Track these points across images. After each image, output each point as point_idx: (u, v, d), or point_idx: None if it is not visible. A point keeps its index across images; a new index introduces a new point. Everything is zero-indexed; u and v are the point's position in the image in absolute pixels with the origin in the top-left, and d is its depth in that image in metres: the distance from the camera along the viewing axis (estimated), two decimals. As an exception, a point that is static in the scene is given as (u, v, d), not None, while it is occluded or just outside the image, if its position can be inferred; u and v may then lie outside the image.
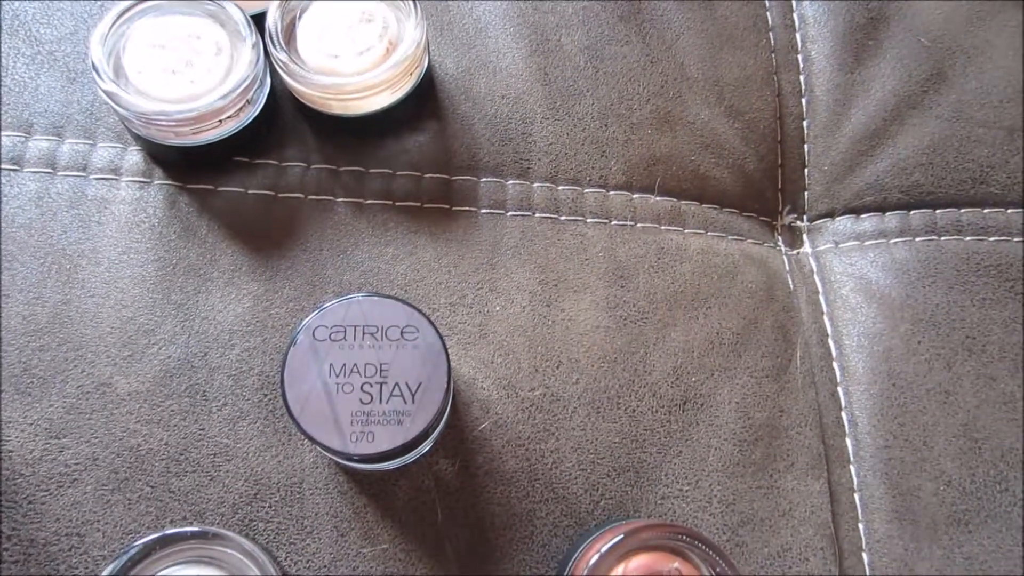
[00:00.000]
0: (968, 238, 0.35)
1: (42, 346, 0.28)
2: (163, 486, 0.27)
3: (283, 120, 0.32)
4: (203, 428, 0.28)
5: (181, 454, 0.28)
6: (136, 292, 0.29)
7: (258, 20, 0.30)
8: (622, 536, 0.24)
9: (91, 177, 0.30)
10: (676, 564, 0.24)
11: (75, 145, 0.31)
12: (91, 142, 0.31)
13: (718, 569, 0.23)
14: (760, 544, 0.29)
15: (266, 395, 0.28)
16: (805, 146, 0.37)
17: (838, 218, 0.36)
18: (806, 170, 0.37)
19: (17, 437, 0.27)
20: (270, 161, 0.32)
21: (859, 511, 0.31)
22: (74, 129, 0.31)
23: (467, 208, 0.32)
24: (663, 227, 0.33)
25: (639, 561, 0.24)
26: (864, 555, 0.30)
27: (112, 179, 0.31)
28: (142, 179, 0.31)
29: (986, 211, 0.36)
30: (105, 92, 0.28)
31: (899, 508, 0.30)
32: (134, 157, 0.31)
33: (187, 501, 0.27)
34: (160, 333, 0.29)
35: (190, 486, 0.27)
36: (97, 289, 0.29)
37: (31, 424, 0.27)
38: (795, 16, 0.38)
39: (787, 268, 0.35)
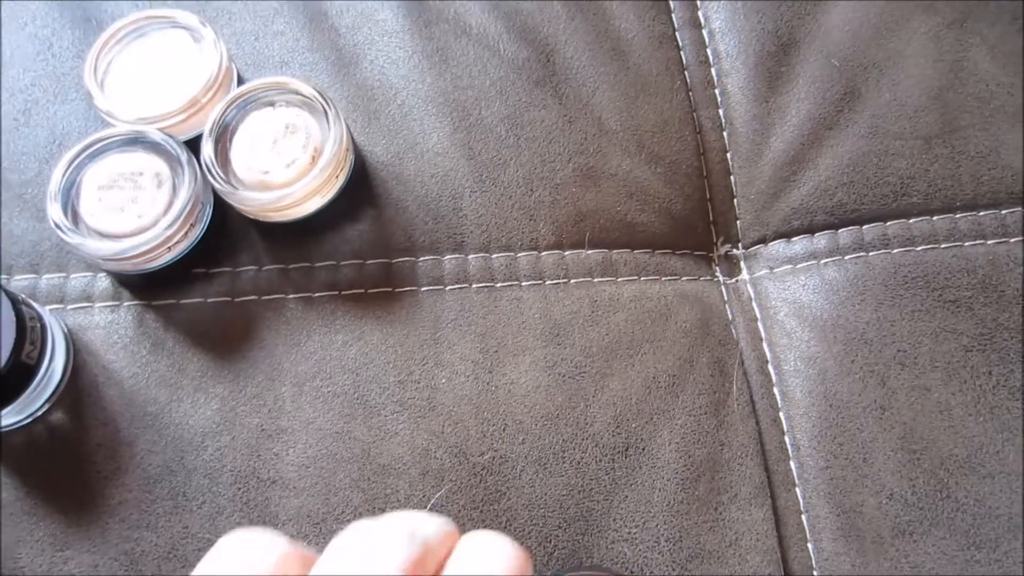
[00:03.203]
0: (896, 250, 0.36)
1: (56, 466, 0.31)
2: (158, 582, 0.30)
3: (233, 227, 0.35)
4: (187, 526, 0.31)
5: (170, 552, 0.31)
6: (115, 409, 0.32)
7: (194, 143, 0.33)
8: None
9: (68, 307, 0.34)
10: None
11: (51, 280, 0.34)
12: (64, 274, 0.34)
13: None
14: None
15: (240, 489, 0.31)
16: (731, 177, 0.38)
17: (771, 243, 0.38)
18: (735, 200, 0.38)
19: (27, 554, 0.31)
20: (224, 268, 0.34)
21: (807, 532, 0.32)
22: (48, 264, 0.34)
23: (408, 288, 0.34)
24: (596, 279, 0.35)
25: None
26: (814, 574, 0.32)
27: (86, 306, 0.34)
28: (112, 303, 0.34)
29: (912, 222, 0.37)
30: (68, 244, 0.31)
31: (844, 525, 0.32)
32: (103, 283, 0.34)
33: (179, 594, 0.30)
34: (140, 444, 0.32)
35: (179, 582, 0.30)
36: (82, 410, 0.32)
37: (37, 541, 0.31)
38: (708, 52, 0.40)
39: (726, 298, 0.37)
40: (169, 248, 0.32)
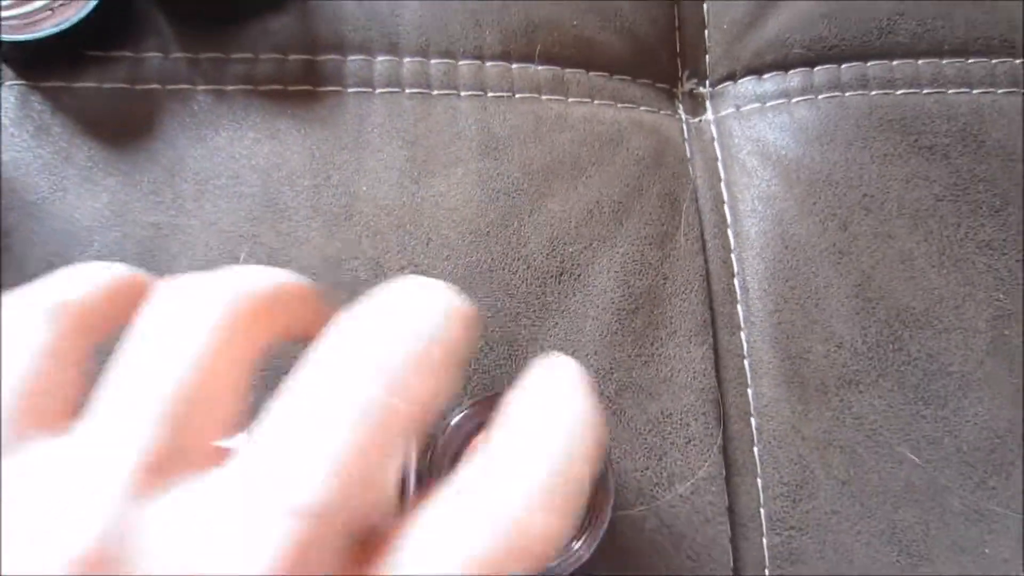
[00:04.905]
0: (874, 92, 0.33)
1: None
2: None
3: (137, 10, 0.31)
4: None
5: (46, 350, 0.28)
6: (-9, 192, 0.29)
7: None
8: (468, 409, 0.24)
9: (-60, 78, 0.30)
10: None
11: (-79, 46, 0.30)
12: (-62, 42, 0.30)
13: None
14: (639, 411, 0.29)
15: (125, 287, 0.28)
16: (704, 5, 0.35)
17: (740, 80, 0.34)
18: (707, 31, 0.35)
19: None
20: (125, 53, 0.30)
21: (748, 376, 0.30)
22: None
23: (332, 88, 0.31)
24: (544, 96, 0.32)
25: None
26: (752, 419, 0.30)
27: (-38, 79, 0.30)
28: (-8, 77, 0.30)
29: (894, 63, 0.34)
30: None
31: (788, 371, 0.30)
32: (-17, 55, 0.30)
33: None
34: (18, 234, 0.28)
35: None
36: (-45, 192, 0.29)
37: None
38: None
39: (686, 136, 0.34)
40: (51, 10, 0.28)
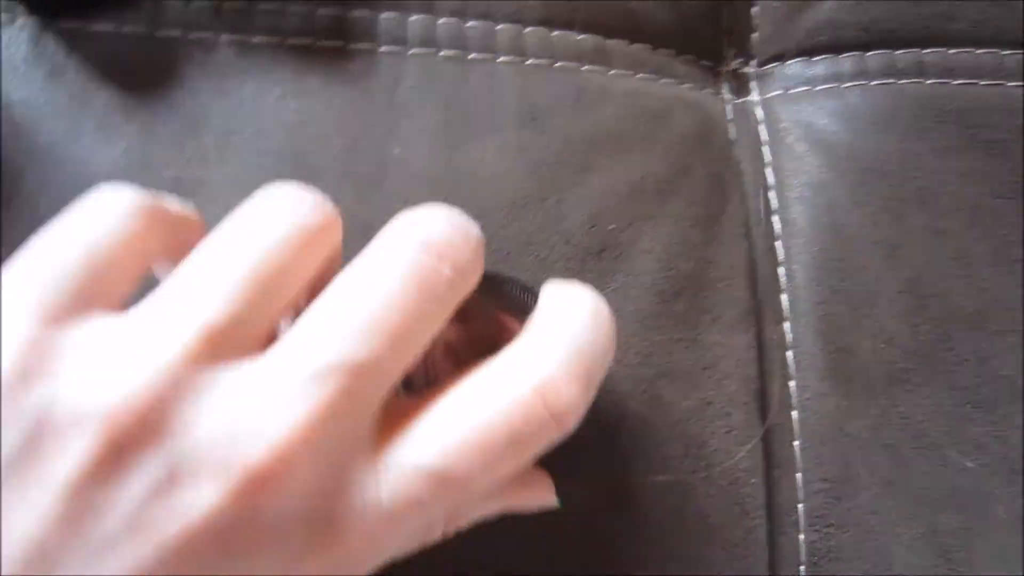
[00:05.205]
0: (930, 81, 0.32)
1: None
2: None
3: (162, -49, 0.29)
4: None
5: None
6: (2, 141, 0.27)
7: None
8: None
9: (-51, 13, 0.28)
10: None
11: (-70, -22, 0.28)
12: (-52, -25, 0.28)
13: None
14: (679, 397, 0.27)
15: (139, 243, 0.26)
16: (754, -18, 0.33)
17: (788, 62, 0.33)
18: (753, 8, 0.33)
19: None
20: (147, -4, 0.29)
21: (791, 369, 0.29)
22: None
23: (364, 45, 0.29)
24: (585, 67, 0.30)
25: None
26: (794, 413, 0.28)
27: (-28, 16, 0.28)
28: (3, 15, 0.28)
29: (951, 52, 0.32)
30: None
31: (834, 366, 0.28)
32: (-5, -9, 0.28)
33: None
34: (27, 181, 0.27)
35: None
36: (-41, 134, 0.27)
37: None
38: None
39: (730, 117, 0.32)
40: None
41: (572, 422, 0.19)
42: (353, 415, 0.17)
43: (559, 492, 0.25)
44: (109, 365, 0.16)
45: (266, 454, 0.16)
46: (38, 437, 0.15)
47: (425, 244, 0.19)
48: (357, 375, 0.17)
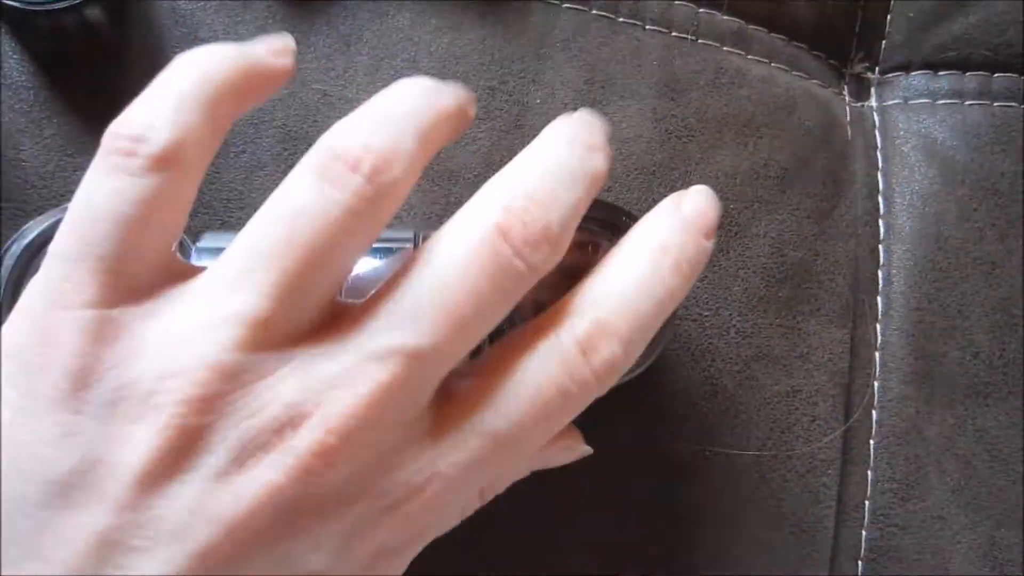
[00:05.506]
0: (1051, 110, 0.32)
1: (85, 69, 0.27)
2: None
3: None
4: (219, 173, 0.27)
5: (199, 199, 0.27)
6: (162, 22, 0.27)
7: None
8: None
9: None
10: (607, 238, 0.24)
11: None
12: None
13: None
14: (771, 381, 0.28)
15: (286, 148, 0.27)
16: (894, -10, 0.34)
17: (913, 73, 0.33)
18: (888, 16, 0.34)
19: (31, 152, 0.26)
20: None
21: (876, 369, 0.30)
22: None
23: (520, -8, 0.29)
24: (725, 47, 0.31)
25: None
26: (874, 412, 0.29)
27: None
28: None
29: (1076, 84, 0.33)
30: None
31: (919, 371, 0.29)
32: None
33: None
34: (183, 71, 0.27)
35: (200, 226, 0.26)
36: (126, 15, 0.27)
37: (45, 146, 0.26)
38: None
39: (848, 118, 0.33)
40: None
41: (611, 381, 0.19)
42: (412, 395, 0.18)
43: (645, 452, 0.26)
44: (174, 346, 0.16)
45: (325, 433, 0.16)
46: (106, 425, 0.16)
47: (504, 232, 0.18)
48: (418, 359, 0.17)
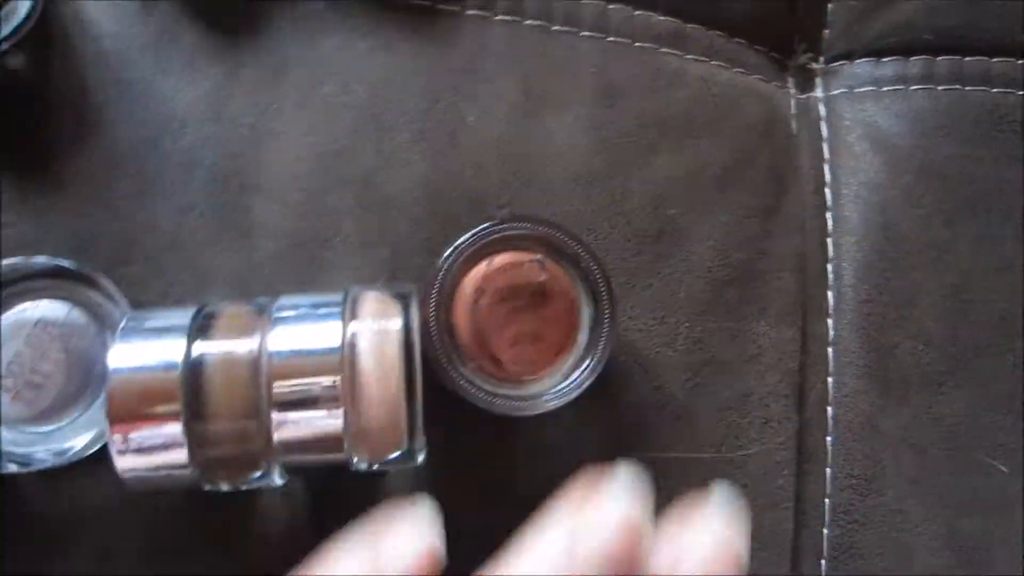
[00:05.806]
0: (995, 90, 0.32)
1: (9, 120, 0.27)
2: (109, 272, 0.26)
3: None
4: (151, 216, 0.27)
5: (128, 240, 0.27)
6: (88, 68, 0.27)
7: None
8: (478, 234, 0.25)
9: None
10: (539, 256, 0.25)
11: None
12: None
13: (581, 259, 0.25)
14: (722, 387, 0.28)
15: (216, 188, 0.27)
16: (832, -23, 0.33)
17: (857, 61, 0.33)
18: (829, 5, 0.33)
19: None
20: (237, -62, 0.29)
21: (830, 364, 0.30)
22: None
23: (451, 7, 0.29)
24: (663, 49, 0.30)
25: (503, 258, 0.25)
26: (829, 408, 0.29)
27: (64, -57, 0.28)
28: (96, -54, 0.28)
29: (1020, 62, 0.32)
30: None
31: (872, 364, 0.29)
32: (88, -79, 0.28)
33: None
34: (112, 113, 0.27)
35: (134, 273, 0.26)
36: (50, 60, 0.27)
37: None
38: None
39: (793, 112, 0.32)
40: None
41: None
42: None
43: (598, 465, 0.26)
44: None
45: None
46: None
47: None
48: None
